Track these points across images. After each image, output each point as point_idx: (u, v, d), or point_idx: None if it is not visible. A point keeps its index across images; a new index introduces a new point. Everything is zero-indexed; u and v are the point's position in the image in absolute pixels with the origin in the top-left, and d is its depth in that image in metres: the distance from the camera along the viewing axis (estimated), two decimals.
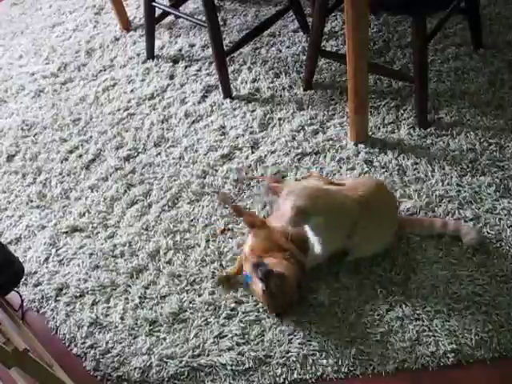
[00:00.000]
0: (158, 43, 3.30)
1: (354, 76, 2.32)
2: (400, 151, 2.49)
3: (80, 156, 2.76)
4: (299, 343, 1.93)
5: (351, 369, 1.88)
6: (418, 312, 1.97)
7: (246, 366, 1.91)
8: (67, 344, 2.08)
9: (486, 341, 1.87)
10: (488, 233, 2.14)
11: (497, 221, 2.17)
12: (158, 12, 3.13)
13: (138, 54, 3.31)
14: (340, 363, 1.89)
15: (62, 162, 2.75)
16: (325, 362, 1.89)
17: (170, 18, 3.46)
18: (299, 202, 1.85)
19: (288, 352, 1.92)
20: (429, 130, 2.55)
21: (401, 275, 2.07)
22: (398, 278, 2.06)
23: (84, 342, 2.06)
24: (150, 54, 3.25)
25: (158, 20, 3.21)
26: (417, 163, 2.43)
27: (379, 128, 2.61)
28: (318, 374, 1.88)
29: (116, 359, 2.00)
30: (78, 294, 2.20)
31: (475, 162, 2.37)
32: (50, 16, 3.84)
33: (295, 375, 1.88)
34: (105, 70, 3.26)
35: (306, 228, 1.96)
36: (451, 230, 2.14)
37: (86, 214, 2.48)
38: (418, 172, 2.39)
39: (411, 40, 2.44)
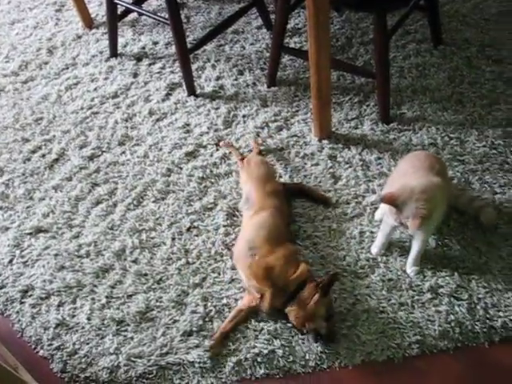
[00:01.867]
0: (121, 41, 3.28)
1: (316, 72, 2.34)
2: (363, 146, 2.52)
3: (43, 156, 2.72)
4: (265, 339, 1.95)
5: (318, 363, 1.90)
6: (383, 305, 2.00)
7: (214, 362, 1.92)
8: (33, 346, 2.05)
9: (449, 331, 1.92)
10: (449, 225, 2.18)
11: (459, 214, 2.21)
12: (120, 9, 3.11)
13: (101, 52, 3.28)
14: (307, 357, 1.91)
15: (24, 162, 2.71)
16: (292, 357, 1.91)
17: (133, 16, 3.44)
18: (425, 208, 1.83)
19: (255, 347, 1.93)
20: (391, 125, 2.60)
21: (365, 269, 2.10)
22: (363, 271, 2.09)
23: (50, 344, 2.04)
24: (113, 52, 3.23)
25: (120, 17, 3.19)
26: (380, 158, 2.47)
27: (343, 124, 2.64)
28: (286, 369, 1.89)
29: (83, 360, 1.98)
30: (43, 296, 2.17)
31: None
32: (9, 12, 3.77)
33: (263, 370, 1.89)
34: (67, 69, 3.23)
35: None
36: (475, 208, 2.18)
37: (51, 215, 2.45)
38: (382, 167, 2.43)
39: (373, 37, 2.46)
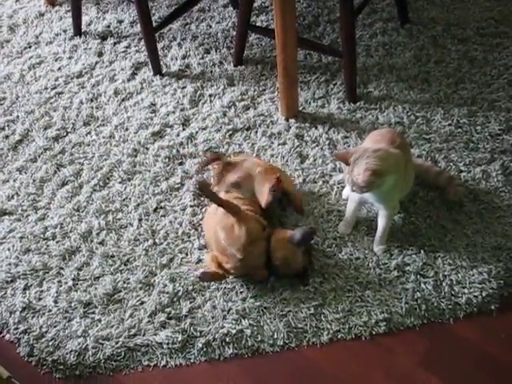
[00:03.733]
0: (85, 19, 3.22)
1: (282, 51, 2.33)
2: (330, 125, 2.52)
3: (6, 137, 2.67)
4: (233, 319, 1.95)
5: (286, 342, 1.91)
6: (350, 283, 2.02)
7: (182, 343, 1.92)
8: None
9: (415, 308, 1.94)
10: (416, 203, 2.20)
11: (425, 193, 2.24)
12: None
13: (65, 31, 3.22)
14: (275, 337, 1.91)
15: None
16: (260, 336, 1.92)
17: None
18: (376, 164, 1.83)
19: (223, 327, 1.93)
20: (358, 104, 2.60)
21: (333, 248, 2.11)
22: (330, 250, 2.10)
23: (17, 328, 2.01)
24: (77, 31, 3.17)
25: None
26: (347, 137, 2.47)
27: (309, 103, 2.63)
28: (254, 348, 1.90)
29: (51, 343, 1.96)
30: (8, 279, 2.15)
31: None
32: None
33: (231, 350, 1.90)
34: (30, 47, 3.16)
35: (373, 192, 1.92)
36: (443, 181, 2.21)
37: (15, 197, 2.41)
38: (349, 145, 2.44)
39: (339, 15, 2.46)
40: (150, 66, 2.88)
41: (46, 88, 2.89)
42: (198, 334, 1.93)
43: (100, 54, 3.05)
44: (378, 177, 1.83)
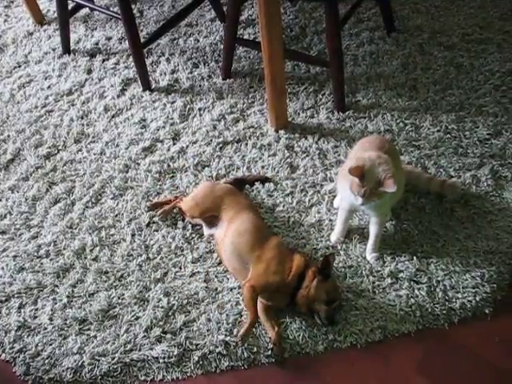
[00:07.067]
0: (73, 37, 3.24)
1: (270, 63, 2.34)
2: (320, 135, 2.54)
3: None
4: (227, 330, 1.95)
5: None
6: (344, 292, 2.02)
7: (178, 357, 1.92)
8: None
9: (410, 315, 1.95)
10: (407, 210, 2.22)
11: (416, 199, 2.25)
12: (71, 4, 3.07)
13: (54, 49, 3.23)
14: (271, 347, 1.91)
15: None
16: (255, 347, 1.92)
17: (84, 11, 3.40)
18: (391, 169, 1.84)
19: (218, 340, 1.93)
20: (347, 113, 2.62)
21: None
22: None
23: (12, 347, 2.01)
24: (66, 49, 3.18)
25: (72, 13, 3.14)
26: (337, 146, 2.49)
27: (299, 113, 2.65)
28: (250, 360, 1.90)
29: (47, 361, 1.96)
30: (3, 299, 2.14)
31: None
32: None
33: (227, 363, 1.90)
34: (19, 67, 3.17)
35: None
36: (436, 186, 2.23)
37: (8, 216, 2.41)
38: (339, 155, 2.45)
39: (325, 26, 2.47)
40: (139, 82, 2.89)
41: (37, 107, 2.90)
42: (194, 347, 1.93)
43: (89, 72, 3.06)
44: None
